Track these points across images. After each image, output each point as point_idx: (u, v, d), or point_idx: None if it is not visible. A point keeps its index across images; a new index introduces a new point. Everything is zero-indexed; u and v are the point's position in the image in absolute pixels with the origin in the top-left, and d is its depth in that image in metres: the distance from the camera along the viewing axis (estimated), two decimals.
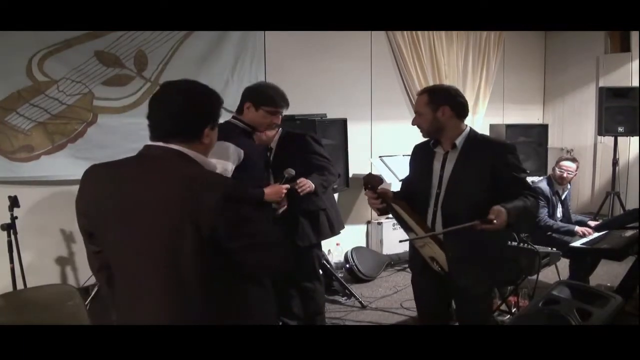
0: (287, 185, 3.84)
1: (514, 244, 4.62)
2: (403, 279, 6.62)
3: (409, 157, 3.66)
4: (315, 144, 4.47)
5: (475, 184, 3.21)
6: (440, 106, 3.27)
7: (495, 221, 2.90)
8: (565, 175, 5.86)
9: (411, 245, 3.54)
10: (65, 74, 4.80)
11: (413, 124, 3.37)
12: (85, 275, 5.22)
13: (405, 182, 3.69)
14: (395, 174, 6.55)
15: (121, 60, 5.08)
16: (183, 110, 2.10)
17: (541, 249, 4.59)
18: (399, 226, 7.19)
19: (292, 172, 3.89)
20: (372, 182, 3.25)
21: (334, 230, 4.76)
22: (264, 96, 3.76)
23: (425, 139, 3.49)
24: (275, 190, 3.81)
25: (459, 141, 3.30)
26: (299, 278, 4.59)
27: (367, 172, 3.38)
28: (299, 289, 4.64)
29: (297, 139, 4.49)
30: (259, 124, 3.78)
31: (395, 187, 7.25)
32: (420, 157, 3.49)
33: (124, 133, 5.09)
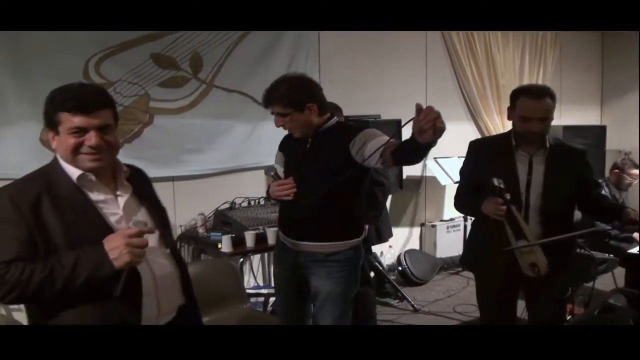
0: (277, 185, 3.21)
1: None
2: (456, 283, 6.59)
3: (470, 155, 3.48)
4: None
5: (567, 190, 3.20)
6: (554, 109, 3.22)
7: None
8: (628, 181, 5.74)
9: (490, 252, 3.31)
10: (122, 75, 4.86)
11: (536, 130, 3.14)
12: None
13: (472, 182, 3.39)
14: (450, 176, 6.49)
15: (177, 62, 5.12)
16: None
17: (597, 255, 4.48)
18: (453, 229, 7.21)
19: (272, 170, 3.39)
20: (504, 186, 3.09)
21: (381, 238, 4.74)
22: None
23: (482, 137, 3.45)
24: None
25: (547, 145, 3.23)
26: None
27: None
28: None
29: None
30: None
31: (451, 189, 7.22)
32: (494, 157, 3.31)
33: (179, 134, 5.15)
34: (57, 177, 2.15)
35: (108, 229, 2.13)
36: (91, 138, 2.11)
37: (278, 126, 3.23)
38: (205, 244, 5.00)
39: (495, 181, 3.01)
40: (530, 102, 3.15)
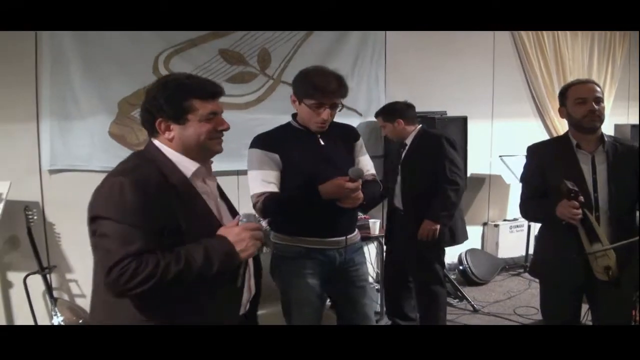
0: (353, 184, 2.97)
1: None
2: (517, 285, 6.49)
3: (531, 160, 3.48)
4: (450, 149, 4.42)
5: (632, 187, 3.14)
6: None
7: None
8: None
9: (562, 259, 3.24)
10: (191, 71, 4.92)
11: (594, 108, 3.13)
12: None
13: (538, 187, 3.37)
14: (515, 175, 6.38)
15: (245, 58, 5.23)
16: (143, 103, 2.20)
17: None
18: (516, 229, 7.10)
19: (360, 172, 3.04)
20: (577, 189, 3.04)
21: (455, 240, 4.71)
22: (303, 85, 3.17)
23: (539, 141, 3.53)
24: (334, 185, 2.98)
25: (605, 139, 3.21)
26: (421, 280, 4.57)
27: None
28: (419, 291, 4.63)
29: (433, 140, 4.45)
30: (308, 122, 3.22)
31: (516, 188, 7.08)
32: (556, 159, 3.29)
33: (244, 129, 5.17)
34: (166, 168, 2.14)
35: (214, 219, 2.21)
36: (223, 122, 2.21)
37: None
38: (266, 238, 5.03)
39: (569, 184, 2.98)
40: (581, 86, 3.24)
